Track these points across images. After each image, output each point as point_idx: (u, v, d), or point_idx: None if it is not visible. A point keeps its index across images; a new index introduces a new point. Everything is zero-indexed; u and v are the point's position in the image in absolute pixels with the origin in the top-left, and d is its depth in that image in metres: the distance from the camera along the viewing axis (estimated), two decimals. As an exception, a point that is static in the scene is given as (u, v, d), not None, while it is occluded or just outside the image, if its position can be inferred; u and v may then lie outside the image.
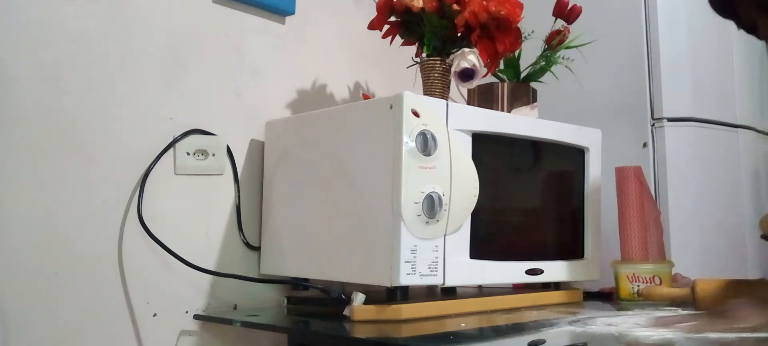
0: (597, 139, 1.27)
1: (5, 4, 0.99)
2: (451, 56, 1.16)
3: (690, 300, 1.07)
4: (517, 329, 0.94)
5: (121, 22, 1.10)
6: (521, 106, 1.27)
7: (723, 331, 0.83)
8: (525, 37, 1.26)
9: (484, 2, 1.14)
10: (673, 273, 1.22)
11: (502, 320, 1.02)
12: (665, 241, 1.30)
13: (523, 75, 1.34)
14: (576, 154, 1.25)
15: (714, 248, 1.51)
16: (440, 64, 1.18)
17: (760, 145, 1.76)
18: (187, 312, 1.14)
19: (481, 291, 1.24)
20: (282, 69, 1.33)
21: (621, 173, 1.26)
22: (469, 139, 1.05)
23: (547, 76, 1.33)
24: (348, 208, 1.04)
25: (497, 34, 1.18)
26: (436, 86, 1.18)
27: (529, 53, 1.32)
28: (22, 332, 0.97)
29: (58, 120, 1.03)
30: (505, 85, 1.30)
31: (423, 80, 1.20)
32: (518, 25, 1.20)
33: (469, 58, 1.14)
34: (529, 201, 1.20)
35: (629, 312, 1.06)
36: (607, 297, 1.27)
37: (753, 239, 1.62)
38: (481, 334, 0.96)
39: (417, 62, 1.23)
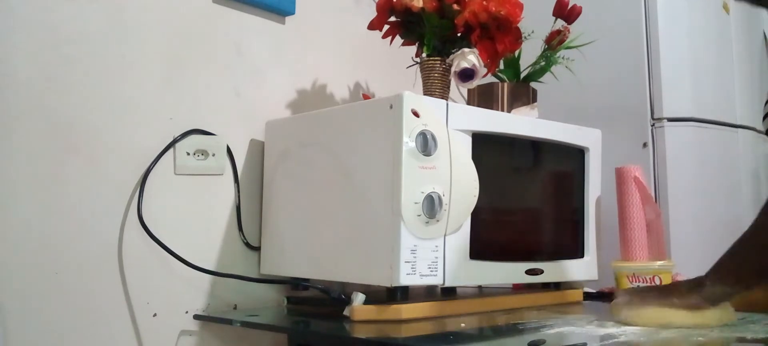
0: (597, 139, 1.27)
1: (5, 4, 0.99)
2: (451, 56, 1.16)
3: None
4: (517, 329, 0.94)
5: (121, 22, 1.10)
6: (521, 106, 1.27)
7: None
8: (525, 37, 1.26)
9: (484, 2, 1.14)
10: (673, 273, 1.22)
11: (502, 320, 1.02)
12: (665, 241, 1.30)
13: (523, 75, 1.34)
14: (576, 154, 1.25)
15: (714, 248, 1.51)
16: (440, 64, 1.18)
17: (760, 145, 1.76)
18: (187, 312, 1.14)
19: (481, 291, 1.24)
20: (282, 69, 1.33)
21: (621, 173, 1.26)
22: (469, 139, 1.05)
23: (547, 76, 1.33)
24: (348, 208, 1.04)
25: (497, 34, 1.18)
26: (436, 86, 1.18)
27: (529, 53, 1.32)
28: (22, 332, 0.97)
29: (58, 120, 1.03)
30: (505, 85, 1.30)
31: (423, 80, 1.20)
32: (518, 25, 1.20)
33: (469, 58, 1.14)
34: (529, 201, 1.20)
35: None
36: (607, 297, 1.27)
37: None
38: (481, 334, 0.96)
39: (417, 62, 1.23)
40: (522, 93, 1.29)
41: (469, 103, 1.34)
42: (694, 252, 1.46)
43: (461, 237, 1.03)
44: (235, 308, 1.20)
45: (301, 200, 1.15)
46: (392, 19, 1.23)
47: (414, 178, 0.96)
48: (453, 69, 1.15)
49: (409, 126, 0.97)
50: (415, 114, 0.98)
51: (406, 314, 0.98)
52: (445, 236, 1.01)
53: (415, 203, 0.96)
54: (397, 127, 0.97)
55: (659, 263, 1.20)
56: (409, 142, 0.96)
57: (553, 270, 1.18)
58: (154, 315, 1.11)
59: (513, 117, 1.16)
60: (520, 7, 1.18)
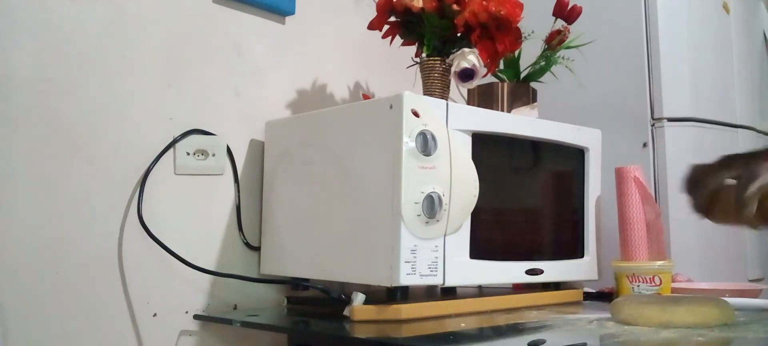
0: (597, 139, 1.27)
1: (5, 4, 0.99)
2: (451, 56, 1.16)
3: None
4: (517, 329, 0.94)
5: (121, 22, 1.10)
6: (521, 106, 1.27)
7: None
8: (525, 37, 1.26)
9: (484, 2, 1.14)
10: (673, 273, 1.22)
11: (502, 320, 1.02)
12: (665, 241, 1.30)
13: (523, 75, 1.34)
14: (576, 154, 1.25)
15: (714, 248, 1.51)
16: (440, 64, 1.18)
17: (760, 145, 1.76)
18: (187, 312, 1.14)
19: (481, 291, 1.24)
20: (282, 69, 1.33)
21: (621, 173, 1.26)
22: (469, 139, 1.05)
23: (547, 76, 1.33)
24: (348, 208, 1.04)
25: (497, 34, 1.18)
26: (436, 86, 1.18)
27: (529, 53, 1.32)
28: (22, 332, 0.97)
29: (58, 120, 1.03)
30: (505, 85, 1.30)
31: (423, 80, 1.20)
32: (518, 25, 1.20)
33: (469, 58, 1.14)
34: (529, 201, 1.20)
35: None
36: (607, 297, 1.27)
37: (752, 238, 1.63)
38: (481, 334, 0.96)
39: (417, 62, 1.23)
40: (522, 93, 1.30)
41: (469, 103, 1.34)
42: (694, 252, 1.46)
43: (461, 237, 1.03)
44: (235, 308, 1.20)
45: (301, 200, 1.15)
46: (392, 19, 1.23)
47: (414, 178, 0.96)
48: (453, 69, 1.15)
49: (409, 126, 0.97)
50: (415, 114, 0.98)
51: (406, 314, 0.98)
52: (445, 236, 1.01)
53: (415, 203, 0.96)
54: (397, 127, 0.97)
55: (659, 263, 1.20)
56: (409, 142, 0.96)
57: (553, 270, 1.18)
58: (154, 315, 1.11)
59: (513, 117, 1.17)
60: (520, 7, 1.18)
